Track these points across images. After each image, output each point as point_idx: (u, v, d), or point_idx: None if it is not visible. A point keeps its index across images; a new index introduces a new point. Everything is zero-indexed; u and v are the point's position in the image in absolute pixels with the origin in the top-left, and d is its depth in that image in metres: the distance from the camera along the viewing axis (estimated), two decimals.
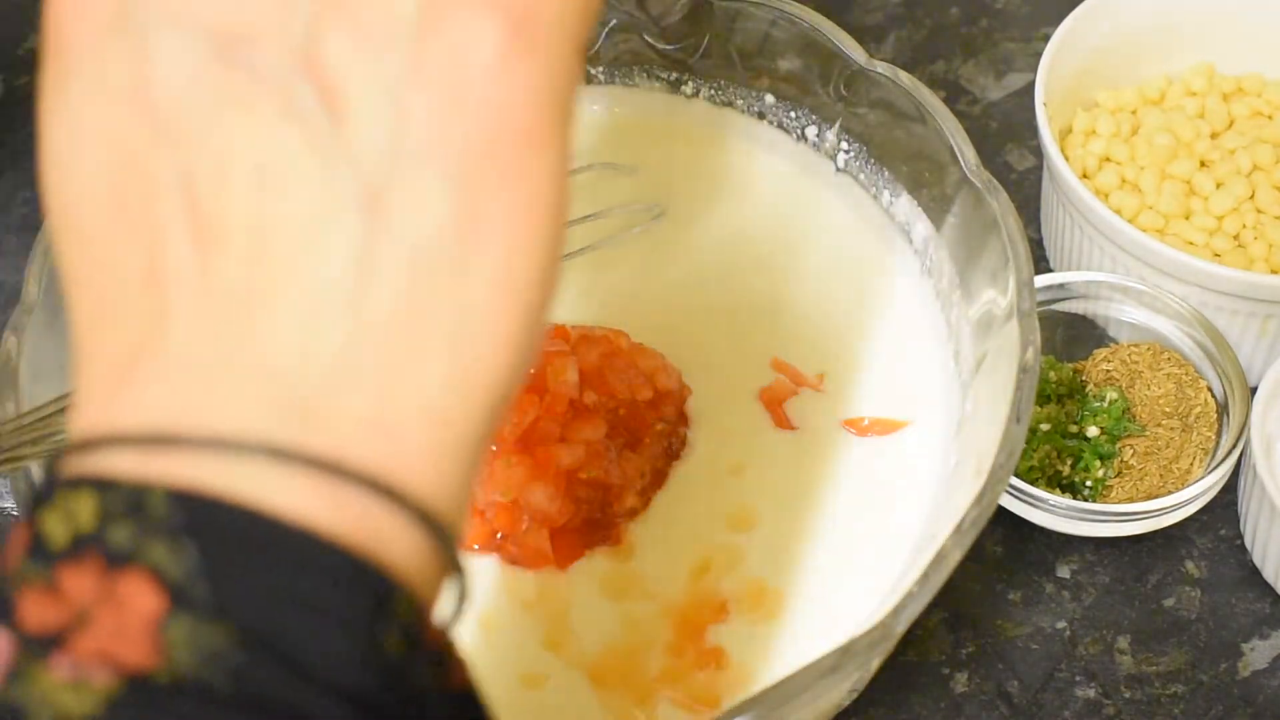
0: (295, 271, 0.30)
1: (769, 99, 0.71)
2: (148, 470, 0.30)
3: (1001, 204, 0.62)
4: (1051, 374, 0.70)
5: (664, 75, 0.73)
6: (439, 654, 0.32)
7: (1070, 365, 0.72)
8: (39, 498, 0.30)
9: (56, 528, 0.30)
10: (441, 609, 0.32)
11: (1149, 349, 0.71)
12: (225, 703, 0.29)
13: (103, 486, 0.30)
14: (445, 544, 0.31)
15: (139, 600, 0.29)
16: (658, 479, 0.64)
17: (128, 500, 0.29)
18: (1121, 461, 0.69)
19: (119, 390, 0.31)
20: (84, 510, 0.29)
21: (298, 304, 0.30)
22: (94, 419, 0.31)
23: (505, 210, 0.31)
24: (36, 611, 0.29)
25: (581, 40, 0.32)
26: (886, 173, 0.68)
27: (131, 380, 0.31)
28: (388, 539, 0.30)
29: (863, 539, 0.62)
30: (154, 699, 0.28)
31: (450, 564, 0.32)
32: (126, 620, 0.29)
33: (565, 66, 0.32)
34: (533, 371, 0.62)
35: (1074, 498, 0.68)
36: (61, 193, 0.32)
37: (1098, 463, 0.69)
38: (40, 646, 0.29)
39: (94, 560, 0.29)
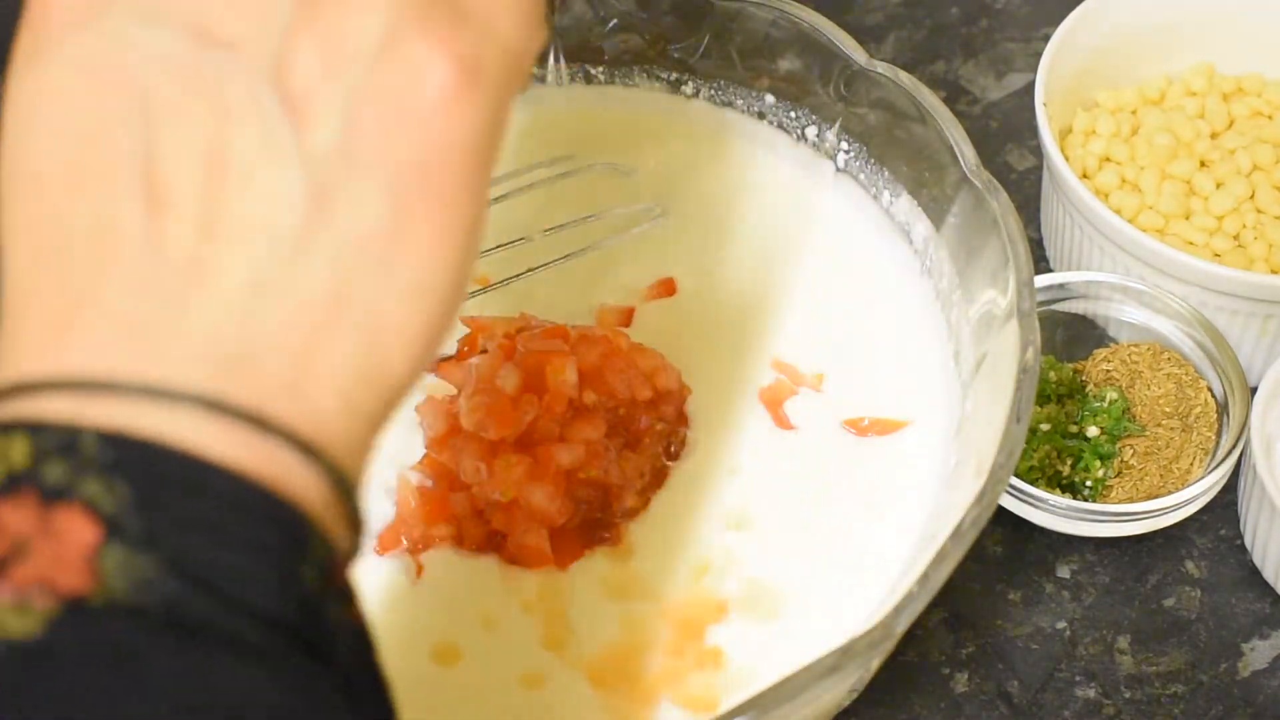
0: (236, 247, 0.33)
1: (769, 99, 0.71)
2: (80, 414, 0.32)
3: (1001, 204, 0.62)
4: (1051, 374, 0.70)
5: (664, 75, 0.73)
6: (347, 593, 0.35)
7: (1070, 365, 0.72)
8: None
9: None
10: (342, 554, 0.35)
11: (1149, 349, 0.71)
12: (157, 624, 0.31)
13: (35, 429, 0.32)
14: (349, 495, 0.35)
15: (75, 531, 0.31)
16: (658, 479, 0.64)
17: (60, 441, 0.32)
18: (1121, 461, 0.69)
19: (56, 339, 0.33)
20: (17, 451, 0.32)
21: (234, 276, 0.33)
22: (29, 366, 0.33)
23: (430, 227, 0.34)
24: None
25: (515, 91, 0.36)
26: (886, 173, 0.68)
27: (69, 330, 0.33)
28: (301, 486, 0.33)
29: (863, 539, 0.62)
30: (90, 619, 0.31)
31: (352, 514, 0.35)
32: (63, 550, 0.31)
33: (498, 112, 0.35)
34: (533, 371, 0.62)
35: (1074, 498, 0.69)
36: (20, 149, 0.34)
37: (1098, 463, 0.69)
38: None
39: (30, 495, 0.31)
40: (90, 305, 0.33)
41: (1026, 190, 0.81)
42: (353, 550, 0.36)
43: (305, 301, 0.34)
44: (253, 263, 0.33)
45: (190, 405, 0.32)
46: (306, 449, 0.33)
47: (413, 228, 0.34)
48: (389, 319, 0.34)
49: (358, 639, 0.35)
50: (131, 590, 0.31)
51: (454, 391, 0.64)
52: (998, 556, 0.70)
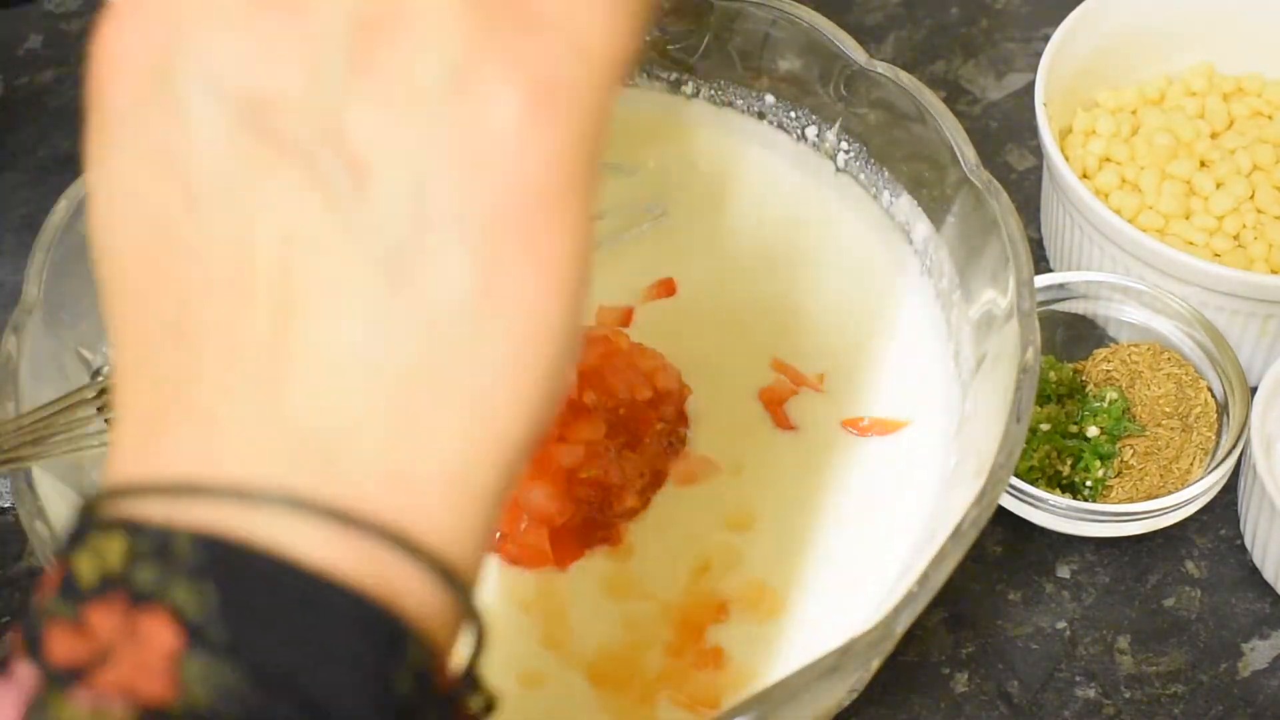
0: (318, 333, 0.31)
1: (769, 99, 0.71)
2: (175, 516, 0.31)
3: (1001, 204, 0.62)
4: (1051, 374, 0.70)
5: (664, 75, 0.73)
6: (451, 700, 0.32)
7: (1070, 365, 0.72)
8: (73, 539, 0.32)
9: (87, 567, 0.31)
10: (459, 656, 0.33)
11: (1149, 349, 0.71)
12: None
13: (132, 530, 0.31)
14: (460, 593, 0.32)
15: (158, 637, 0.30)
16: (658, 479, 0.64)
17: (155, 543, 0.31)
18: (1121, 461, 0.69)
19: (150, 440, 0.32)
20: (113, 551, 0.31)
21: (319, 363, 0.31)
22: (127, 467, 0.32)
23: (523, 275, 0.32)
24: (62, 646, 0.30)
25: (606, 105, 0.33)
26: (886, 173, 0.68)
27: (161, 431, 0.32)
28: (402, 587, 0.31)
29: (863, 539, 0.62)
30: None
31: (466, 612, 0.33)
32: (146, 656, 0.30)
33: (586, 131, 0.32)
34: None
35: (1074, 498, 0.68)
36: (105, 254, 0.34)
37: (1098, 463, 0.69)
38: (63, 679, 0.30)
39: (119, 599, 0.30)
40: (181, 405, 0.32)
41: (1026, 190, 0.81)
42: (474, 648, 0.33)
43: (396, 381, 0.31)
44: (333, 348, 0.31)
45: (279, 505, 0.31)
46: (404, 544, 0.31)
47: (506, 278, 0.31)
48: (496, 379, 0.32)
49: None
50: (213, 700, 0.29)
51: None
52: (998, 556, 0.70)
